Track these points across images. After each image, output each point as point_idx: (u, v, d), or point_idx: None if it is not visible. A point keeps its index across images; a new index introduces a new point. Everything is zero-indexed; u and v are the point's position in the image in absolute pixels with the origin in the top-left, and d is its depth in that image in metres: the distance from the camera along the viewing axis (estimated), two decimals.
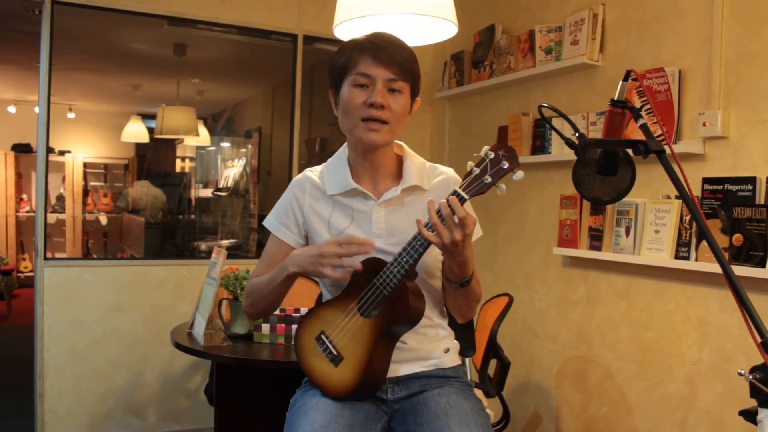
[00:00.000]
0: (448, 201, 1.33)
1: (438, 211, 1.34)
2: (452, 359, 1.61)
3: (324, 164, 1.64)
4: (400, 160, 1.60)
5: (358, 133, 1.49)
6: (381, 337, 1.44)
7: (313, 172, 1.63)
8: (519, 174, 1.32)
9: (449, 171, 1.63)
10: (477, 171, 1.34)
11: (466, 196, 1.33)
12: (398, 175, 1.58)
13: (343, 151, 1.61)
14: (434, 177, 1.60)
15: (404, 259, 1.38)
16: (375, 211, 1.54)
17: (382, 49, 1.47)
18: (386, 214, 1.54)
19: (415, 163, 1.58)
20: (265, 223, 1.65)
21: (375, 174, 1.57)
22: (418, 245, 1.38)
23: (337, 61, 1.52)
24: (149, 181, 6.43)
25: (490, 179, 1.32)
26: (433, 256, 1.53)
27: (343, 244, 1.40)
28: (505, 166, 1.32)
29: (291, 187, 1.63)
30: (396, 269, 1.39)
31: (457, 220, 1.32)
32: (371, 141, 1.48)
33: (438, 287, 1.59)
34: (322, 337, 1.51)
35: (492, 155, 1.33)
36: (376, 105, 1.45)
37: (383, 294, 1.41)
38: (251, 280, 1.63)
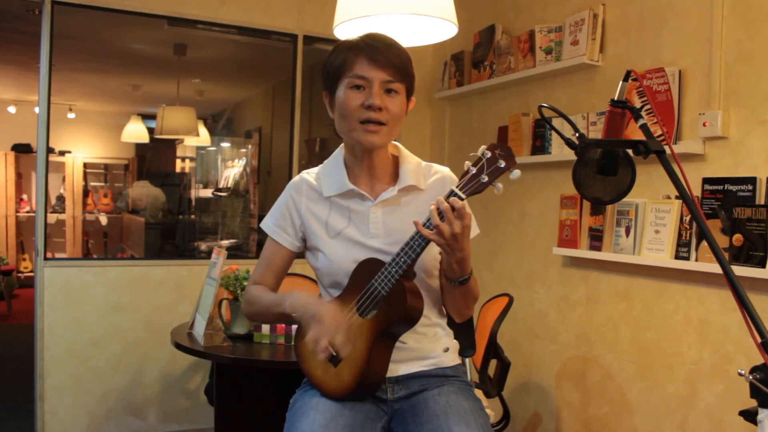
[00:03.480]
0: (446, 199, 1.33)
1: (437, 209, 1.34)
2: (452, 358, 1.61)
3: (320, 166, 1.65)
4: (396, 161, 1.60)
5: (357, 135, 1.49)
6: (379, 337, 1.44)
7: (309, 174, 1.63)
8: (516, 173, 1.32)
9: (445, 170, 1.63)
10: (474, 170, 1.34)
11: (463, 196, 1.34)
12: (394, 175, 1.58)
13: (339, 153, 1.62)
14: (430, 176, 1.60)
15: (402, 259, 1.39)
16: (372, 211, 1.54)
17: (378, 50, 1.47)
18: (383, 214, 1.54)
19: (411, 163, 1.59)
20: (263, 225, 1.65)
21: (371, 175, 1.57)
22: (415, 245, 1.38)
23: (331, 63, 1.52)
24: (149, 181, 6.42)
25: (486, 178, 1.33)
26: (432, 255, 1.53)
27: (337, 340, 1.38)
28: (502, 165, 1.32)
29: (287, 190, 1.64)
30: (394, 269, 1.40)
31: (456, 214, 1.32)
32: (370, 143, 1.49)
33: (436, 286, 1.59)
34: None
35: (489, 154, 1.33)
36: (374, 107, 1.45)
37: (381, 294, 1.42)
38: (252, 288, 1.63)
